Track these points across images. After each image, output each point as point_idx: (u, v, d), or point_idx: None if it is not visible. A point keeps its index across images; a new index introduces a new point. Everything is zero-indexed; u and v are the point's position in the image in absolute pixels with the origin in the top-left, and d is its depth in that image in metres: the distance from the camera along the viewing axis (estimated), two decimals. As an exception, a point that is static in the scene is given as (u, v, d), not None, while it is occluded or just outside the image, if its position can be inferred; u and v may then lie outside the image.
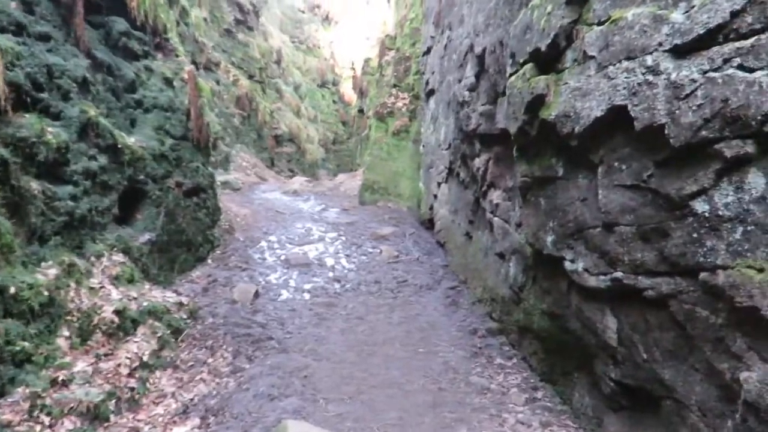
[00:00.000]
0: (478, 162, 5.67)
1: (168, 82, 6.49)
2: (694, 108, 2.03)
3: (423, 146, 10.63)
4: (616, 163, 2.60)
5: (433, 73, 9.42)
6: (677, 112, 2.11)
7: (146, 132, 5.85)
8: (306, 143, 24.65)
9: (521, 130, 3.60)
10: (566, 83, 2.97)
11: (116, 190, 4.95)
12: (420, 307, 6.13)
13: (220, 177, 12.60)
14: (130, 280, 4.56)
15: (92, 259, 4.23)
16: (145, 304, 4.41)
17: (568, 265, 3.23)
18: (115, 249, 4.64)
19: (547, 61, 3.26)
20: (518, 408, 3.97)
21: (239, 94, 17.23)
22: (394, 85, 12.11)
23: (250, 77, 19.72)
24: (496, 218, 5.21)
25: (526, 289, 4.39)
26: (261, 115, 19.23)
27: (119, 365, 3.65)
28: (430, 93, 9.76)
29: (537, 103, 3.29)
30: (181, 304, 5.12)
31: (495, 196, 5.23)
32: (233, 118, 16.45)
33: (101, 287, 4.05)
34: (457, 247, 7.30)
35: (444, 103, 8.06)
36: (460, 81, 5.96)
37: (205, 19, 16.35)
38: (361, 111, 20.54)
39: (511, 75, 3.82)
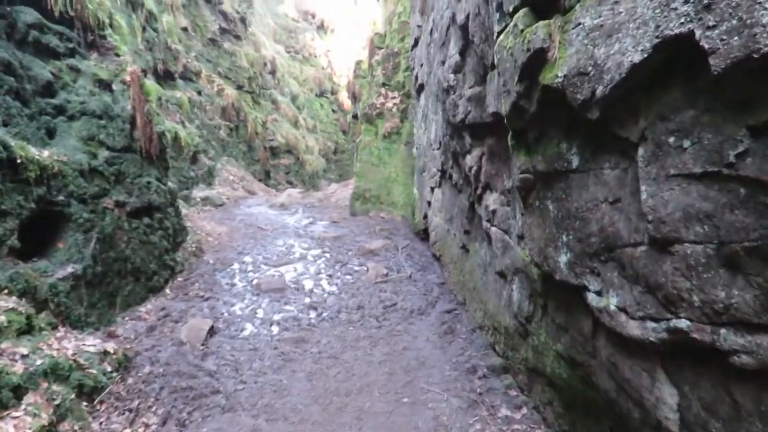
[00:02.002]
0: (470, 159, 4.63)
1: (103, 84, 5.52)
2: None
3: (416, 148, 9.61)
4: (671, 139, 1.55)
5: (421, 65, 8.42)
6: (808, 21, 1.07)
7: (70, 143, 4.87)
8: (305, 154, 23.89)
9: (516, 106, 2.55)
10: (579, 24, 1.93)
11: (15, 216, 3.95)
12: (409, 338, 5.07)
13: (200, 192, 11.68)
14: (24, 331, 3.55)
15: (-38, 308, 3.24)
16: (39, 362, 3.39)
17: (592, 298, 2.18)
18: (6, 292, 3.63)
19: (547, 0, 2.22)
20: (532, 489, 2.91)
21: (224, 104, 16.33)
22: (383, 84, 11.12)
23: (239, 87, 18.89)
24: (493, 228, 4.16)
25: (535, 322, 3.33)
26: (251, 126, 18.34)
27: (-25, 459, 2.63)
28: (420, 88, 8.76)
29: (535, 63, 2.25)
30: (105, 352, 4.10)
31: (491, 200, 4.18)
32: (218, 130, 15.55)
33: (-33, 346, 3.05)
34: (453, 261, 6.24)
35: (433, 96, 7.04)
36: (443, 63, 4.93)
37: (185, 29, 15.51)
38: (355, 117, 19.55)
39: (499, 34, 2.78)
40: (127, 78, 5.82)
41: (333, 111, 30.76)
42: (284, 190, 16.74)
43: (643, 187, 1.68)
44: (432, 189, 7.56)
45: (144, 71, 10.20)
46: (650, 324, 1.76)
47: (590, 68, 1.85)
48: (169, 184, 6.98)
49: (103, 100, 5.38)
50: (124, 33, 8.94)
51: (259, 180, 18.21)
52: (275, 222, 10.33)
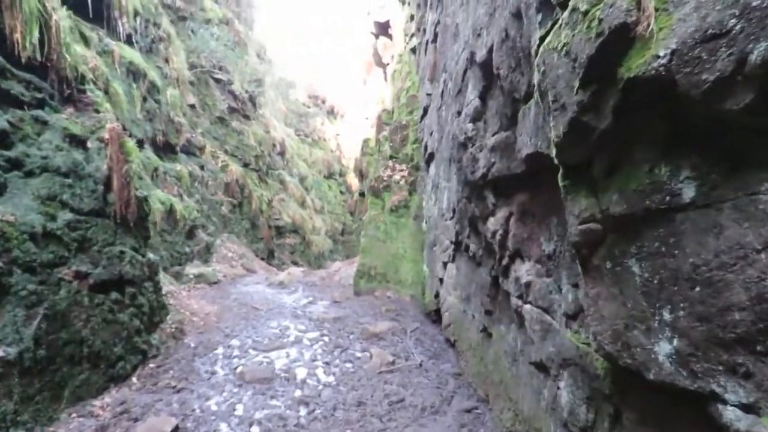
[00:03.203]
0: (493, 223, 3.85)
1: (76, 140, 4.91)
2: None
3: (425, 222, 8.90)
4: None
5: (431, 133, 7.90)
6: None
7: (23, 202, 4.16)
8: (312, 234, 23.47)
9: (576, 126, 1.80)
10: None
11: (-74, 284, 3.16)
12: (420, 446, 4.05)
13: (194, 269, 10.89)
14: None
15: None
16: None
17: (731, 416, 1.30)
18: None
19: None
20: None
21: (228, 180, 15.93)
22: (391, 157, 10.62)
23: (245, 165, 18.67)
24: (527, 306, 3.30)
25: (599, 436, 2.39)
26: (255, 203, 17.89)
27: None
28: (430, 158, 8.19)
29: (613, 49, 1.52)
30: (25, 466, 3.14)
31: (523, 270, 3.35)
32: (220, 206, 15.01)
33: None
34: (471, 347, 5.29)
35: (445, 162, 6.41)
36: (459, 114, 4.29)
37: (192, 106, 15.46)
38: (362, 194, 19.13)
39: (542, 40, 2.10)
40: (105, 135, 5.23)
41: (341, 192, 30.90)
42: (287, 269, 15.96)
43: None
44: (444, 264, 6.73)
45: (140, 141, 9.79)
46: None
47: (732, 22, 1.10)
48: (150, 255, 6.22)
49: (72, 157, 4.75)
50: (122, 101, 8.59)
51: (262, 259, 17.49)
52: (271, 301, 9.43)
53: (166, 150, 11.57)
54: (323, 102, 34.93)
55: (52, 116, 4.75)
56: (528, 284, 3.24)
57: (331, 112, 34.94)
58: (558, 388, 2.87)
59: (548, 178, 2.83)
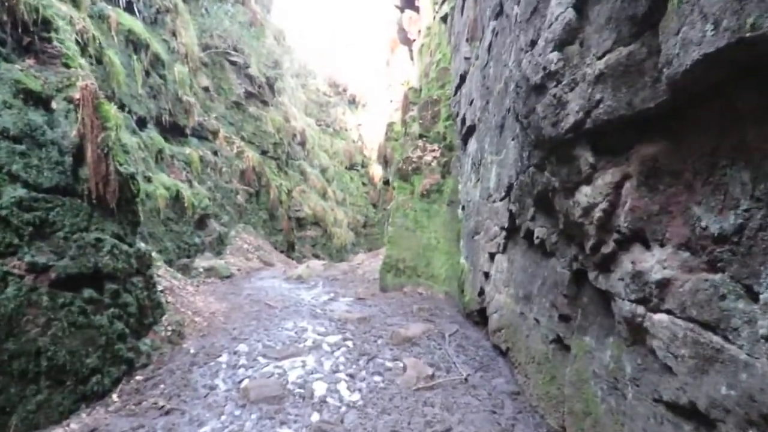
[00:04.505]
0: (589, 194, 2.68)
1: (34, 98, 3.89)
2: None
3: (462, 208, 7.73)
4: None
5: (471, 102, 6.72)
6: None
7: (-50, 171, 3.15)
8: (333, 227, 22.58)
9: None
10: None
11: None
12: (481, 503, 2.93)
13: (204, 262, 9.91)
14: None
15: None
16: None
17: None
18: None
19: None
20: None
21: (244, 167, 14.94)
22: (420, 136, 9.44)
23: (263, 152, 17.72)
24: (660, 316, 2.13)
25: None
26: (273, 193, 16.91)
27: None
28: (469, 132, 7.02)
29: None
30: None
31: (652, 261, 2.19)
32: (235, 195, 14.04)
33: None
34: (534, 360, 4.14)
35: (493, 131, 5.24)
36: (533, 45, 3.11)
37: (206, 89, 14.51)
38: (386, 183, 17.99)
39: None
40: (76, 95, 4.20)
41: (363, 184, 30.07)
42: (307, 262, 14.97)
43: None
44: (491, 255, 5.58)
45: (142, 119, 8.81)
46: None
47: None
48: (140, 245, 5.21)
49: (27, 119, 3.72)
50: (118, 72, 7.60)
51: (281, 251, 16.56)
52: (288, 298, 8.39)
53: (173, 132, 10.60)
54: (344, 91, 33.92)
55: (1, 66, 3.73)
56: (664, 283, 2.08)
57: (352, 102, 33.93)
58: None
59: (713, 109, 1.68)
